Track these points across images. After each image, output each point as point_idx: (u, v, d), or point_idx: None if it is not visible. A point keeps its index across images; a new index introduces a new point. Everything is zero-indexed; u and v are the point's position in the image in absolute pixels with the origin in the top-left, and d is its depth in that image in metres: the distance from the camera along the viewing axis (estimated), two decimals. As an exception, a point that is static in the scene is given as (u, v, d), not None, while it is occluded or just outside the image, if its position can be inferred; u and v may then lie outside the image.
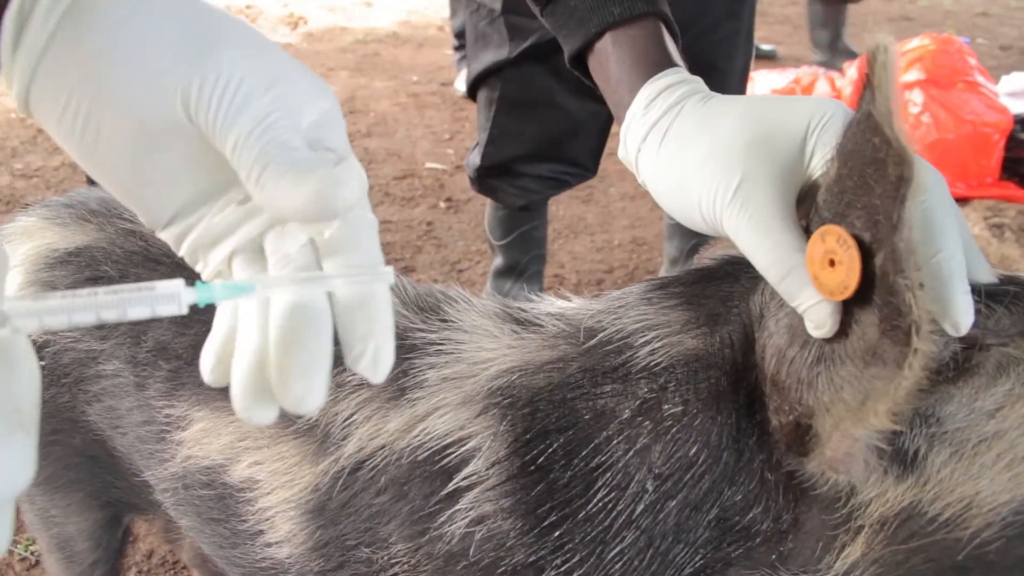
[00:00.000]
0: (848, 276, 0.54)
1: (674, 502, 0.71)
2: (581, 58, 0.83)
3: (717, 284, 0.73)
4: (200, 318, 0.95)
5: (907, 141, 0.49)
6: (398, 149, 3.71)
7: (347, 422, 0.84)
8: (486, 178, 2.07)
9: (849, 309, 0.57)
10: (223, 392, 0.93)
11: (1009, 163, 3.37)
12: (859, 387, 0.56)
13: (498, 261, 2.32)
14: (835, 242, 0.55)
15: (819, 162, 0.63)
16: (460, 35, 4.14)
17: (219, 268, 0.53)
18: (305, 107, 0.50)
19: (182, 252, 0.53)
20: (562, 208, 3.17)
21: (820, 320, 0.58)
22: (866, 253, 0.53)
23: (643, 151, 0.72)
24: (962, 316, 0.58)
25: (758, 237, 0.62)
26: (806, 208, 0.63)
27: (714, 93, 0.73)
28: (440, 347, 0.82)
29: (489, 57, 1.91)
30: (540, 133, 1.95)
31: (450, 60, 4.69)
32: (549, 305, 0.82)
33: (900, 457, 0.64)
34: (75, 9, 0.47)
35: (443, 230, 3.03)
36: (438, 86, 4.53)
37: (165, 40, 0.47)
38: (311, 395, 0.46)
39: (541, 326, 0.79)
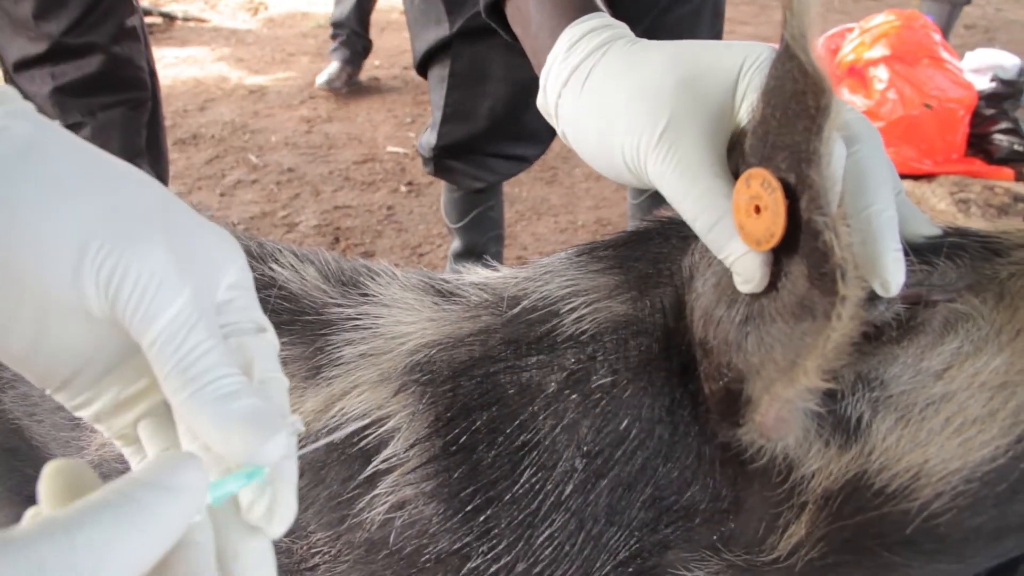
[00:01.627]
0: (773, 222, 0.49)
1: (605, 481, 0.66)
2: (498, 7, 0.77)
3: (647, 245, 0.68)
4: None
5: (824, 68, 0.44)
6: (359, 133, 3.64)
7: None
8: (443, 159, 2.00)
9: (778, 260, 0.53)
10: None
11: (974, 139, 3.35)
12: (789, 345, 0.51)
13: (456, 244, 2.26)
14: (760, 186, 0.50)
15: (749, 107, 0.57)
16: (338, 25, 4.11)
17: (124, 431, 0.50)
18: (221, 270, 0.49)
19: (80, 413, 0.50)
20: (525, 189, 3.12)
21: (748, 273, 0.53)
22: (792, 197, 0.48)
23: (564, 96, 0.66)
24: (891, 274, 0.53)
25: (685, 184, 0.57)
26: (735, 158, 0.58)
27: (641, 39, 0.67)
28: (357, 322, 0.76)
29: (431, 35, 1.85)
30: (496, 108, 1.89)
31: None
32: (473, 275, 0.76)
33: (842, 425, 0.59)
34: None
35: (404, 214, 2.97)
36: (400, 70, 4.46)
37: (77, 228, 0.44)
38: None
39: (463, 297, 0.74)
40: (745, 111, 0.58)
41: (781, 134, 0.49)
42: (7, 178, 0.44)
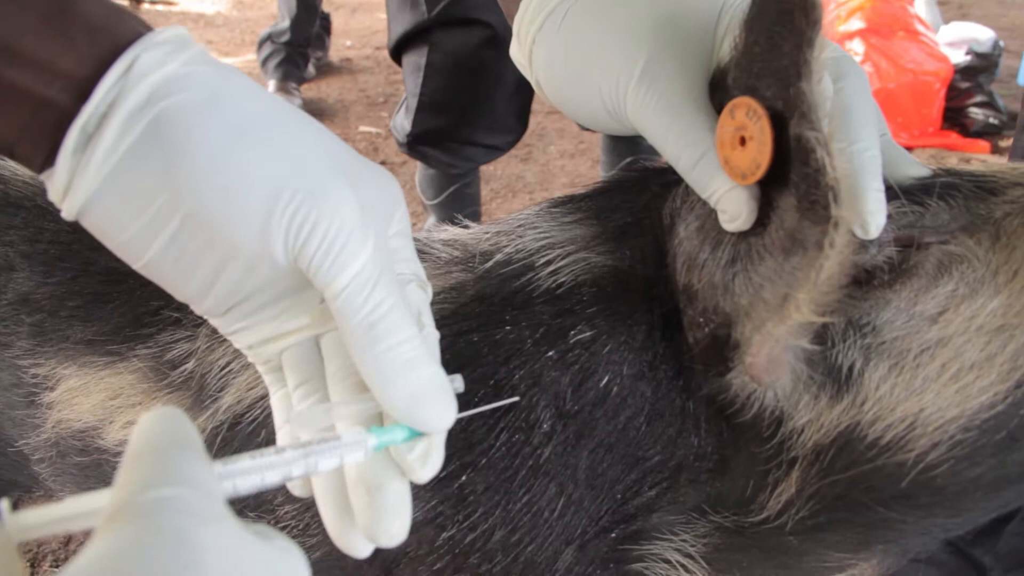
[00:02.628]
0: (759, 152, 0.46)
1: (585, 442, 0.63)
2: None
3: (625, 194, 0.65)
4: (63, 264, 0.84)
5: None
6: (331, 114, 3.58)
7: (223, 371, 0.74)
8: (418, 145, 1.96)
9: (765, 195, 0.49)
10: (91, 346, 0.84)
11: (950, 112, 3.35)
12: (780, 282, 0.48)
13: (431, 221, 2.22)
14: (745, 116, 0.47)
15: (730, 46, 0.54)
16: (263, 42, 3.60)
17: (270, 359, 0.53)
18: (391, 217, 0.52)
19: (233, 339, 0.53)
20: (500, 167, 3.08)
21: (734, 210, 0.50)
22: (779, 124, 0.45)
23: (538, 42, 0.63)
24: (872, 215, 0.50)
25: (667, 120, 0.53)
26: (718, 97, 0.55)
27: None
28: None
29: (407, 17, 1.81)
30: (471, 99, 1.85)
31: (383, 24, 4.54)
32: (443, 232, 0.73)
33: (833, 375, 0.56)
34: (160, 131, 0.45)
35: (377, 195, 2.91)
36: (372, 50, 4.40)
37: (268, 177, 0.46)
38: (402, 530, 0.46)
39: (432, 254, 0.70)
40: (726, 49, 0.55)
41: (767, 60, 0.46)
42: (196, 126, 0.45)
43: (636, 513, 0.65)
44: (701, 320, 0.55)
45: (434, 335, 0.52)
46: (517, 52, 0.66)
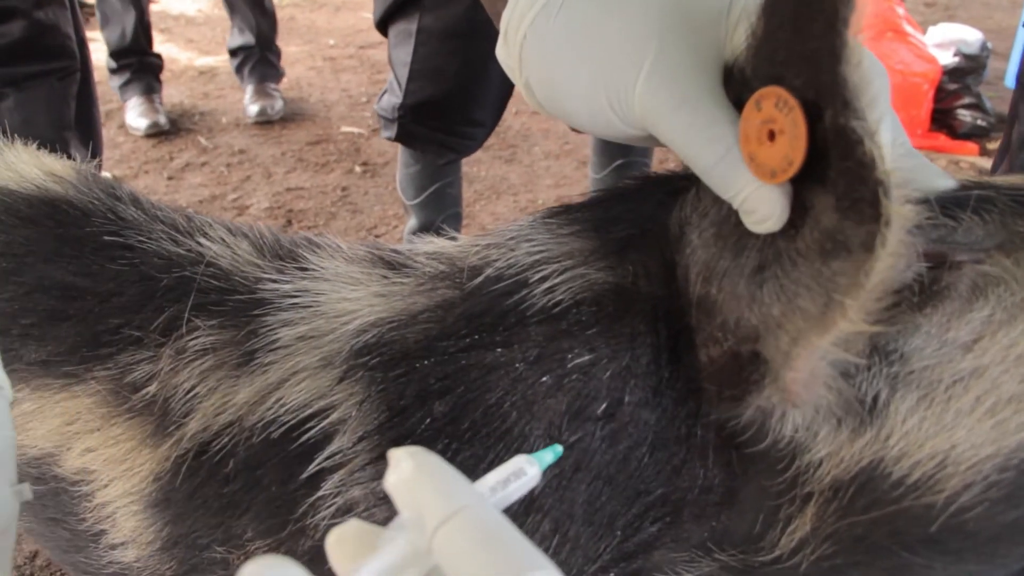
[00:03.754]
0: (792, 147, 0.42)
1: (582, 475, 0.58)
2: None
3: (627, 204, 0.59)
4: (16, 279, 0.78)
5: None
6: (313, 114, 3.52)
7: (189, 395, 0.68)
8: (409, 122, 1.90)
9: (798, 194, 0.45)
10: (46, 367, 0.78)
11: (938, 114, 3.32)
12: (819, 289, 0.43)
13: (412, 222, 2.16)
14: (774, 108, 0.43)
15: (744, 32, 0.49)
16: (234, 52, 3.49)
17: None
18: None
19: None
20: (484, 168, 3.02)
21: (765, 210, 0.45)
22: (812, 116, 0.40)
23: (529, 37, 0.57)
24: (936, 178, 0.49)
25: (684, 115, 0.49)
26: (732, 91, 0.50)
27: None
28: (295, 300, 0.67)
29: None
30: (465, 67, 1.81)
31: (367, 23, 4.47)
32: (428, 245, 0.67)
33: (856, 405, 0.51)
34: None
35: (359, 195, 2.85)
36: (356, 49, 4.33)
37: None
38: None
39: (416, 268, 0.65)
40: (740, 37, 0.50)
41: (794, 44, 0.41)
42: None
43: (636, 551, 0.60)
44: (720, 335, 0.50)
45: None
46: (504, 52, 0.61)
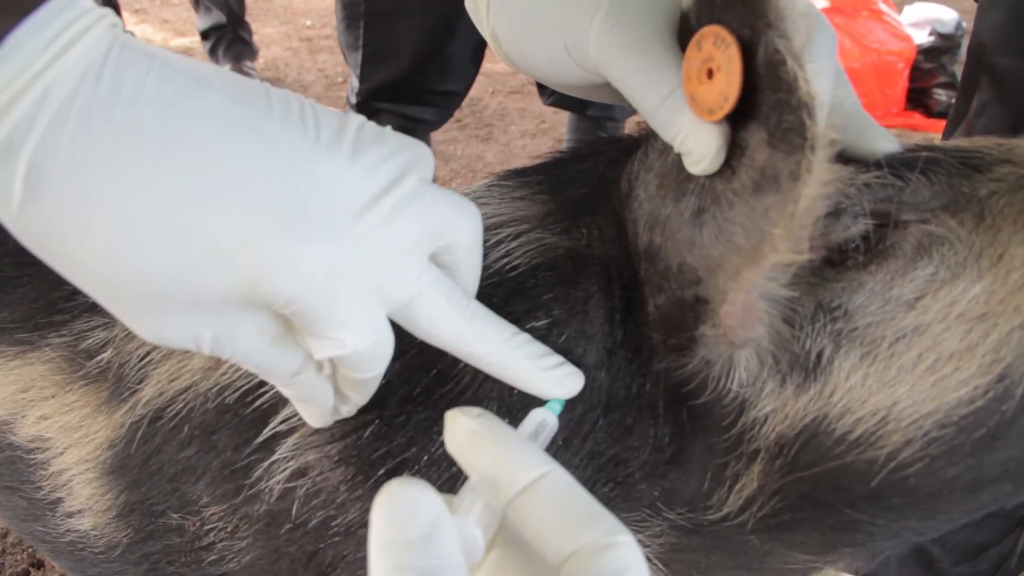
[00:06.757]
0: (728, 82, 0.42)
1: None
2: None
3: (580, 164, 0.59)
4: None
5: None
6: (289, 93, 3.49)
7: (143, 361, 0.68)
8: (371, 103, 1.88)
9: (735, 135, 0.45)
10: (0, 334, 0.77)
11: (913, 94, 3.34)
12: (753, 225, 0.43)
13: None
14: (712, 45, 0.43)
15: None
16: (206, 34, 3.52)
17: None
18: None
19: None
20: (460, 147, 3.01)
21: (701, 149, 0.46)
22: (748, 53, 0.41)
23: None
24: (881, 143, 0.51)
25: (634, 57, 0.49)
26: (683, 40, 0.50)
27: None
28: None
29: None
30: (418, 44, 1.78)
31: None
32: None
33: (800, 361, 0.51)
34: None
35: (335, 174, 2.84)
36: (332, 30, 4.27)
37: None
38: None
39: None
40: None
41: None
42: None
43: (589, 512, 0.61)
44: (664, 282, 0.51)
45: None
46: (472, 2, 0.61)
